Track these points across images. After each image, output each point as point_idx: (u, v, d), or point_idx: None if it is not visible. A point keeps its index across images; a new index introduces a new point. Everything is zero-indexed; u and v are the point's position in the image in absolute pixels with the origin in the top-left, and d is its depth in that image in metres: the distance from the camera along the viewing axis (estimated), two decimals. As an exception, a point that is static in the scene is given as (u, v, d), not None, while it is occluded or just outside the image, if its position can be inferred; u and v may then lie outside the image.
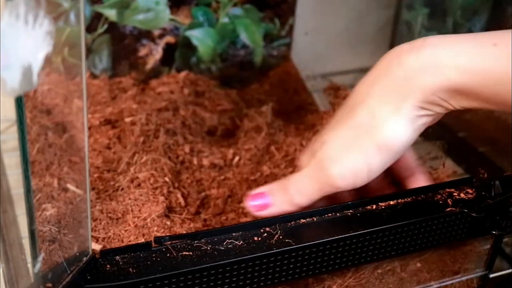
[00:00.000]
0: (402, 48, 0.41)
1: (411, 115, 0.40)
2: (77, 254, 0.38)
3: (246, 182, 0.56)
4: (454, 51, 0.39)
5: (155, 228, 0.47)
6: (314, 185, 0.43)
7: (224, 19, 0.72)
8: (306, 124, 0.66)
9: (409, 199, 0.47)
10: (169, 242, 0.40)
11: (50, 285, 0.36)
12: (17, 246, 0.43)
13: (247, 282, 0.41)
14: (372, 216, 0.45)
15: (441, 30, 0.76)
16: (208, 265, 0.39)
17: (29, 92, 0.30)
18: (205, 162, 0.58)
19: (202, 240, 0.41)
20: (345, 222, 0.44)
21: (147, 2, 0.68)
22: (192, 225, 0.50)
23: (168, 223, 0.48)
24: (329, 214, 0.44)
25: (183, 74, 0.72)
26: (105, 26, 0.67)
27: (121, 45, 0.69)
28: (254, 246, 0.41)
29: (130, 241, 0.45)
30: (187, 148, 0.59)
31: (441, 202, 0.47)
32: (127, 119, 0.61)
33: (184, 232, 0.47)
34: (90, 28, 0.67)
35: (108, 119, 0.62)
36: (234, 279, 0.40)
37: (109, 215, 0.50)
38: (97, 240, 0.45)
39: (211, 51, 0.73)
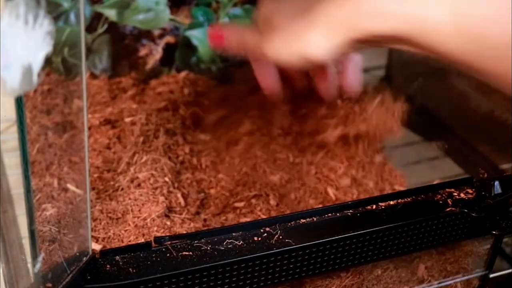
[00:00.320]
0: None
1: (341, 43, 0.43)
2: (77, 254, 0.38)
3: (246, 182, 0.56)
4: (402, 2, 0.41)
5: (155, 228, 0.47)
6: (257, 47, 0.48)
7: (224, 19, 0.72)
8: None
9: (409, 199, 0.47)
10: (169, 242, 0.40)
11: (50, 285, 0.36)
12: (17, 246, 0.43)
13: (247, 282, 0.41)
14: (372, 216, 0.45)
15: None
16: (208, 265, 0.39)
17: (29, 92, 0.30)
18: (205, 162, 0.58)
19: (202, 240, 0.41)
20: (345, 222, 0.44)
21: (147, 2, 0.68)
22: (192, 225, 0.50)
23: (168, 223, 0.48)
24: (329, 214, 0.44)
25: (183, 74, 0.72)
26: (105, 26, 0.67)
27: (121, 45, 0.69)
28: (254, 246, 0.41)
29: (130, 241, 0.45)
30: (187, 148, 0.59)
31: (441, 202, 0.47)
32: (127, 119, 0.61)
33: (184, 232, 0.47)
34: (90, 28, 0.67)
35: (108, 119, 0.62)
36: (234, 279, 0.40)
37: (109, 215, 0.50)
38: (97, 240, 0.45)
39: (211, 51, 0.72)
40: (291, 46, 0.45)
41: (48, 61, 0.30)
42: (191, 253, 0.40)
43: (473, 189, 0.48)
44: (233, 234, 0.42)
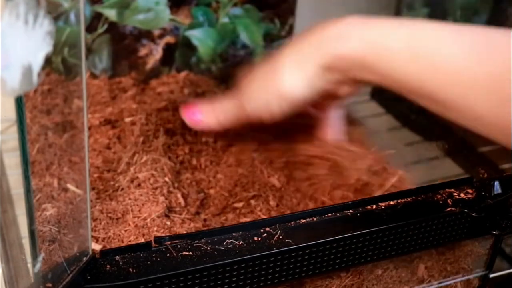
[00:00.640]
0: (329, 20, 0.46)
1: (312, 73, 0.45)
2: (77, 254, 0.38)
3: (246, 182, 0.56)
4: (364, 27, 0.44)
5: (155, 228, 0.47)
6: (234, 111, 0.50)
7: (224, 19, 0.72)
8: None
9: (409, 199, 0.47)
10: (169, 242, 0.40)
11: (50, 285, 0.36)
12: (17, 246, 0.43)
13: (247, 282, 0.41)
14: (372, 216, 0.45)
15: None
16: (208, 265, 0.39)
17: (29, 92, 0.30)
18: (205, 162, 0.58)
19: (202, 240, 0.41)
20: (345, 222, 0.44)
21: (147, 2, 0.68)
22: (192, 225, 0.50)
23: (168, 223, 0.48)
24: (329, 214, 0.44)
25: (183, 74, 0.72)
26: (105, 26, 0.67)
27: (121, 45, 0.69)
28: (254, 246, 0.41)
29: (130, 241, 0.45)
30: (186, 148, 0.59)
31: (441, 202, 0.47)
32: (127, 119, 0.61)
33: (184, 232, 0.47)
34: (90, 28, 0.67)
35: (108, 119, 0.62)
36: (234, 279, 0.40)
37: (109, 215, 0.50)
38: (97, 240, 0.45)
39: (211, 51, 0.73)
40: (267, 90, 0.47)
41: (48, 61, 0.30)
42: (191, 253, 0.40)
43: (473, 189, 0.48)
44: (233, 234, 0.42)
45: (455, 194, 0.48)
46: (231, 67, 0.74)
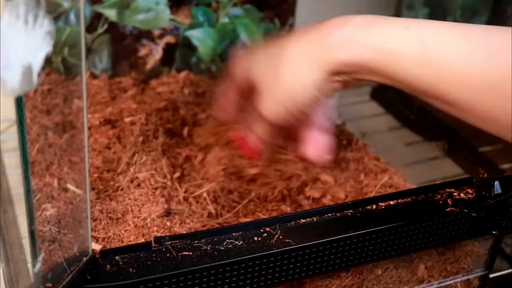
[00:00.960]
0: (333, 21, 0.46)
1: (319, 78, 0.45)
2: (77, 254, 0.38)
3: (246, 182, 0.56)
4: (369, 31, 0.43)
5: (155, 228, 0.47)
6: (262, 125, 0.48)
7: (224, 19, 0.72)
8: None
9: (409, 199, 0.47)
10: (169, 242, 0.40)
11: (50, 285, 0.36)
12: (17, 246, 0.43)
13: (247, 282, 0.41)
14: (372, 216, 0.45)
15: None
16: (208, 265, 0.39)
17: (29, 92, 0.30)
18: (205, 162, 0.58)
19: (202, 240, 0.41)
20: (345, 222, 0.44)
21: (147, 2, 0.68)
22: (192, 225, 0.50)
23: (168, 223, 0.48)
24: (329, 214, 0.44)
25: (183, 74, 0.72)
26: (105, 26, 0.67)
27: (121, 45, 0.69)
28: (254, 246, 0.41)
29: (130, 241, 0.45)
30: (186, 148, 0.59)
31: (441, 202, 0.47)
32: (127, 119, 0.61)
33: (184, 232, 0.47)
34: (90, 28, 0.67)
35: (108, 119, 0.62)
36: (234, 279, 0.40)
37: (109, 215, 0.50)
38: (97, 240, 0.45)
39: (211, 51, 0.73)
40: (279, 96, 0.46)
41: (48, 61, 0.30)
42: (191, 253, 0.40)
43: (473, 189, 0.48)
44: (233, 234, 0.42)
45: (455, 194, 0.48)
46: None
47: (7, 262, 0.41)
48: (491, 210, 0.48)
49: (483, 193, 0.48)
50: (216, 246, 0.40)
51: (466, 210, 0.46)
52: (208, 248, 0.40)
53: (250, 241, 0.41)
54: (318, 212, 0.44)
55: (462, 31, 0.41)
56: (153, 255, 0.39)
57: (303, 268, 0.42)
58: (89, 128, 0.60)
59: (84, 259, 0.38)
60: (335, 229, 0.43)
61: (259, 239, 0.41)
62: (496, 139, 0.41)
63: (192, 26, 0.71)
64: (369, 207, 0.46)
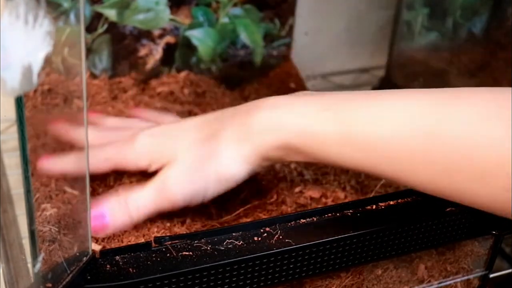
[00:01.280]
0: (258, 104, 0.45)
1: (248, 160, 0.45)
2: (77, 254, 0.38)
3: (246, 182, 0.56)
4: (289, 114, 0.44)
5: (155, 229, 0.47)
6: (154, 203, 0.45)
7: (224, 19, 0.72)
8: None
9: (409, 199, 0.47)
10: (169, 242, 0.40)
11: (50, 285, 0.36)
12: (17, 246, 0.43)
13: (247, 282, 0.41)
14: (372, 216, 0.45)
15: (441, 30, 0.76)
16: (208, 265, 0.39)
17: (29, 92, 0.30)
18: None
19: (202, 240, 0.41)
20: (345, 222, 0.44)
21: (147, 2, 0.68)
22: (192, 225, 0.50)
23: (168, 223, 0.48)
24: (329, 214, 0.44)
25: (183, 74, 0.72)
26: (105, 26, 0.67)
27: (121, 45, 0.69)
28: (254, 246, 0.41)
29: (130, 241, 0.45)
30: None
31: (441, 202, 0.47)
32: (127, 119, 0.61)
33: (184, 232, 0.47)
34: (90, 28, 0.67)
35: (108, 119, 0.62)
36: (234, 279, 0.40)
37: (109, 215, 0.50)
38: (97, 240, 0.45)
39: (211, 51, 0.73)
40: (203, 176, 0.45)
41: (48, 61, 0.30)
42: (191, 253, 0.40)
43: (473, 189, 0.48)
44: (233, 234, 0.42)
45: (455, 194, 0.48)
46: (231, 67, 0.74)
47: (7, 262, 0.41)
48: (491, 210, 0.48)
49: (483, 193, 0.48)
50: (216, 246, 0.40)
51: (466, 210, 0.46)
52: (208, 248, 0.40)
53: (250, 241, 0.41)
54: (318, 212, 0.44)
55: (385, 104, 0.42)
56: (153, 255, 0.39)
57: (303, 268, 0.42)
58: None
59: (84, 259, 0.38)
60: (335, 229, 0.43)
61: (259, 239, 0.41)
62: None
63: (192, 26, 0.71)
64: (369, 207, 0.46)
